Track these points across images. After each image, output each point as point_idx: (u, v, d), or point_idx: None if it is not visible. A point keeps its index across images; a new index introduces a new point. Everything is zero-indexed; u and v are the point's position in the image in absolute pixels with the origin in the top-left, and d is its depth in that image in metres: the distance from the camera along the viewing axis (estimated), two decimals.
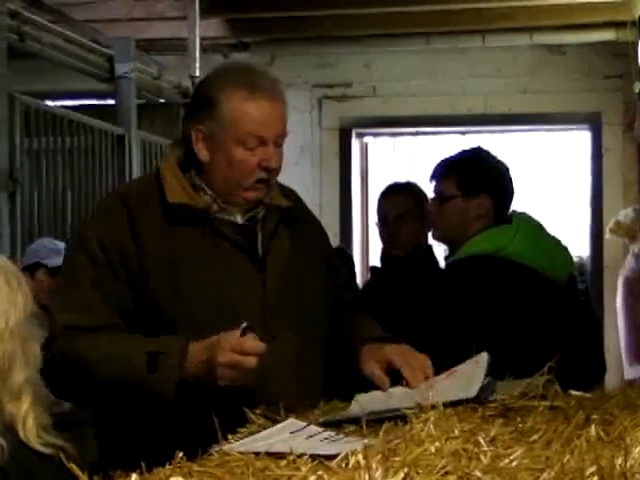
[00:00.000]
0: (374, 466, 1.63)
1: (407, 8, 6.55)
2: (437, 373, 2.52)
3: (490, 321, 3.18)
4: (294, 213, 2.75)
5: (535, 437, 1.89)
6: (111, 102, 6.23)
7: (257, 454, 1.84)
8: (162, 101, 6.81)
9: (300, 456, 1.76)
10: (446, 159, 3.49)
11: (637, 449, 1.68)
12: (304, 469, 1.70)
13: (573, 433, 1.89)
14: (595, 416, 2.04)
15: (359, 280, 6.47)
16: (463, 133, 7.80)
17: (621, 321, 6.47)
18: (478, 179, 3.38)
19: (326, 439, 1.98)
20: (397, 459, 1.70)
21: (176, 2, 6.50)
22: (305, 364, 2.63)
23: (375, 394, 2.47)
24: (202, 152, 2.63)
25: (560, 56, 7.42)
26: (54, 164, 5.11)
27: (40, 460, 1.89)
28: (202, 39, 6.52)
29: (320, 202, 7.68)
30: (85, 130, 5.45)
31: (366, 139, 8.09)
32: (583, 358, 3.27)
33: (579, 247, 7.29)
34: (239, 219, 2.67)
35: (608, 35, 6.82)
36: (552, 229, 3.52)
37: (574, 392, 2.31)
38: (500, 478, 1.62)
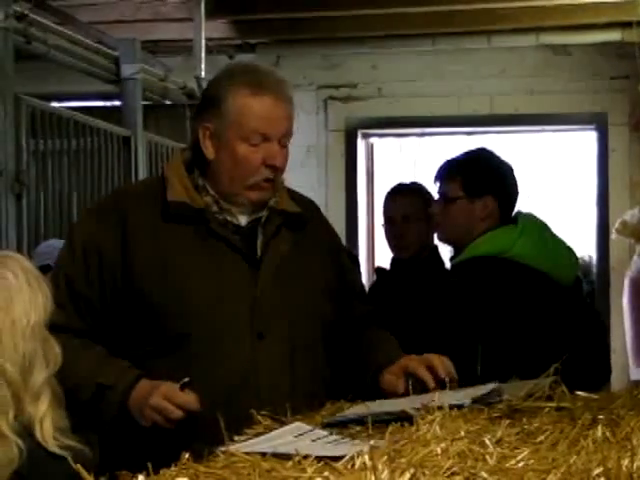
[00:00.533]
0: (380, 467, 1.63)
1: (412, 9, 6.55)
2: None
3: (495, 322, 3.18)
4: (302, 219, 2.76)
5: (541, 438, 1.89)
6: (117, 103, 6.23)
7: (263, 455, 1.84)
8: (168, 102, 6.80)
9: (306, 457, 1.77)
10: (450, 160, 3.49)
11: None
12: (310, 470, 1.70)
13: (579, 434, 1.88)
14: (601, 417, 2.03)
15: (365, 281, 6.47)
16: (469, 134, 7.79)
17: (627, 322, 6.46)
18: (482, 180, 3.38)
19: (332, 442, 1.98)
20: (403, 460, 1.70)
21: (182, 3, 6.51)
22: (298, 363, 2.64)
23: (382, 401, 2.46)
24: (208, 150, 2.66)
25: (566, 57, 7.41)
26: (60, 165, 5.11)
27: (54, 462, 1.89)
28: (208, 40, 6.52)
29: (326, 203, 7.67)
30: (91, 131, 5.45)
31: (372, 140, 8.08)
32: (588, 360, 3.27)
33: (585, 248, 7.28)
34: (242, 221, 2.68)
35: (614, 35, 6.81)
36: (558, 230, 3.51)
37: (580, 393, 2.30)
38: (506, 479, 1.62)
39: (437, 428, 1.93)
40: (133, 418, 2.52)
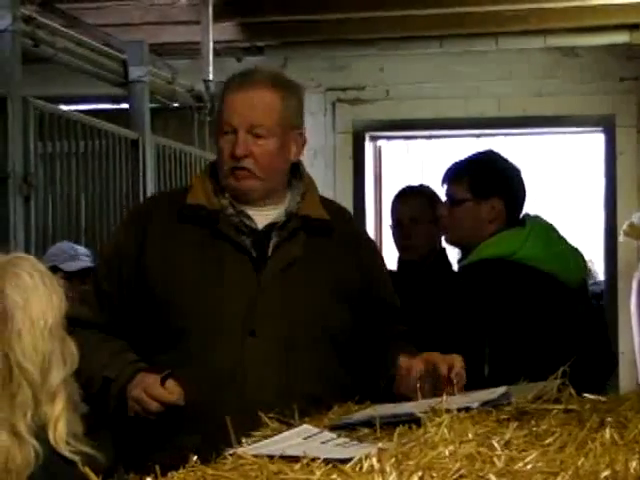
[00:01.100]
0: (388, 470, 1.63)
1: (420, 11, 6.55)
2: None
3: (502, 324, 3.18)
4: (328, 226, 2.79)
5: (549, 440, 1.89)
6: (125, 106, 6.24)
7: (271, 457, 1.84)
8: (176, 105, 6.82)
9: (314, 460, 1.76)
10: (457, 162, 3.49)
11: None
12: (318, 473, 1.70)
13: (587, 436, 1.88)
14: (609, 419, 2.03)
15: None
16: (477, 136, 7.79)
17: (635, 324, 6.45)
18: (489, 182, 3.38)
19: (340, 444, 1.98)
20: (411, 463, 1.70)
21: (189, 6, 6.51)
22: (295, 363, 2.66)
23: (390, 404, 2.46)
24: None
25: (574, 58, 7.41)
26: (68, 168, 5.12)
27: (65, 465, 1.89)
28: (215, 43, 6.53)
29: None
30: (99, 134, 5.46)
31: (379, 142, 8.08)
32: (590, 362, 3.26)
33: (593, 250, 7.27)
34: (259, 224, 2.73)
35: (622, 37, 6.80)
36: (566, 232, 3.51)
37: (588, 395, 2.30)
38: None
39: (445, 430, 1.93)
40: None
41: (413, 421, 2.10)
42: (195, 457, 1.85)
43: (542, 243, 3.35)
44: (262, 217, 2.75)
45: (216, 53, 6.60)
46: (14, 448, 1.89)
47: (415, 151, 8.11)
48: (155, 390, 2.54)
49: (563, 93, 7.41)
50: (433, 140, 8.03)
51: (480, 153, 3.56)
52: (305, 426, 2.16)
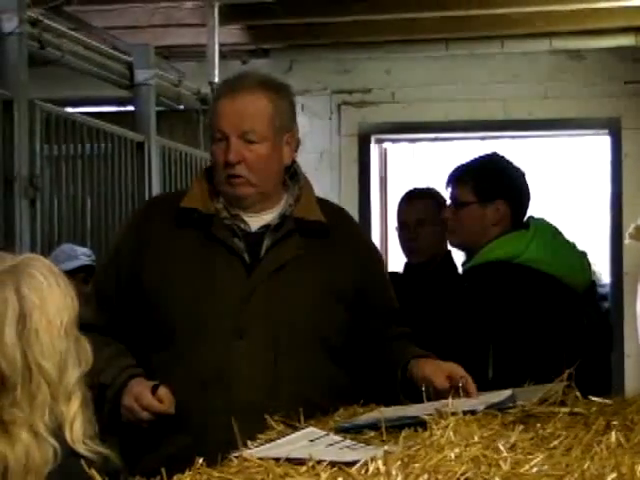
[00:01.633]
0: (394, 472, 1.63)
1: (426, 14, 6.55)
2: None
3: (507, 327, 3.18)
4: (324, 228, 2.78)
5: (555, 443, 1.89)
6: (131, 109, 6.25)
7: (277, 460, 1.84)
8: (182, 108, 6.82)
9: (320, 462, 1.77)
10: (461, 165, 3.49)
11: None
12: (324, 475, 1.70)
13: (593, 439, 1.88)
14: (615, 422, 2.03)
15: None
16: (483, 139, 7.79)
17: None
18: (493, 185, 3.38)
19: (346, 447, 1.98)
20: (417, 465, 1.70)
21: (195, 9, 6.51)
22: (283, 365, 2.65)
23: (396, 406, 2.46)
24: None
25: (579, 61, 7.40)
26: (74, 171, 5.13)
27: (80, 465, 1.89)
28: (221, 45, 6.53)
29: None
30: (105, 137, 5.46)
31: (385, 145, 8.08)
32: (594, 365, 3.25)
33: (598, 252, 7.26)
34: (252, 227, 2.74)
35: (628, 40, 6.80)
36: (571, 234, 3.51)
37: (594, 398, 2.30)
38: None
39: (451, 433, 1.93)
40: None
41: (419, 424, 2.10)
42: (201, 459, 1.85)
43: (546, 246, 3.35)
44: (257, 221, 2.76)
45: (222, 56, 6.60)
46: (33, 447, 1.90)
47: (421, 154, 8.11)
48: (145, 399, 2.58)
49: (569, 96, 7.41)
50: (439, 143, 8.03)
51: (485, 156, 3.56)
52: (311, 429, 2.16)
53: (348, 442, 2.03)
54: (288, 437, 2.11)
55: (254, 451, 1.98)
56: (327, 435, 2.09)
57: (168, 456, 2.34)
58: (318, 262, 2.75)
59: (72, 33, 5.38)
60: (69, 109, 5.96)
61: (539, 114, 7.47)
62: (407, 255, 4.34)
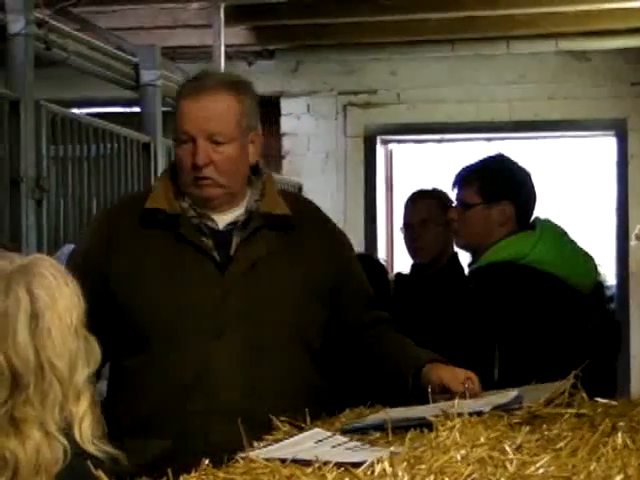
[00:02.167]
0: (400, 474, 1.63)
1: (432, 15, 6.55)
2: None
3: (513, 328, 3.17)
4: (291, 222, 2.76)
5: (561, 445, 1.89)
6: (137, 110, 6.25)
7: (283, 461, 1.84)
8: None
9: (326, 463, 1.77)
10: (467, 167, 3.49)
11: None
12: (330, 476, 1.70)
13: (599, 441, 1.88)
14: (621, 424, 2.03)
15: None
16: (488, 140, 7.79)
17: None
18: (499, 186, 3.38)
19: (352, 448, 1.98)
20: (423, 467, 1.70)
21: (201, 10, 6.52)
22: (260, 364, 2.64)
23: (402, 407, 2.45)
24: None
25: (585, 62, 7.40)
26: (80, 171, 5.12)
27: (88, 464, 1.90)
28: (227, 46, 6.53)
29: (345, 209, 7.68)
30: (111, 137, 5.46)
31: (391, 146, 8.08)
32: (601, 367, 3.25)
33: (604, 253, 7.26)
34: (220, 225, 2.72)
35: (634, 41, 6.79)
36: (577, 236, 3.50)
37: (600, 399, 2.30)
38: None
39: (457, 435, 1.93)
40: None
41: (425, 425, 2.10)
42: (207, 460, 1.86)
43: (552, 247, 3.34)
44: (224, 218, 2.73)
45: (228, 57, 6.60)
46: (44, 446, 1.90)
47: (426, 155, 8.11)
48: None
49: (575, 97, 7.41)
50: (444, 144, 8.03)
51: (490, 157, 3.55)
52: (317, 430, 2.17)
53: (354, 443, 2.03)
54: (294, 438, 2.11)
55: (260, 452, 1.99)
56: (333, 436, 2.10)
57: (147, 461, 2.32)
58: (290, 257, 2.73)
59: (78, 34, 5.38)
60: (75, 110, 5.95)
61: (545, 115, 7.47)
62: (412, 255, 4.35)
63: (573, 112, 7.42)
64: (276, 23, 6.89)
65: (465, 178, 3.45)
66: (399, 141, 8.09)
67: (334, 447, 2.00)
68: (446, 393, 2.52)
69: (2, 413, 1.91)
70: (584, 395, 2.32)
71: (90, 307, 2.64)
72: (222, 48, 6.40)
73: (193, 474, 1.83)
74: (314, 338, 2.75)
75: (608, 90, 7.35)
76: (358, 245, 7.56)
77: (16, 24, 4.52)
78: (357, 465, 1.75)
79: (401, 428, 2.12)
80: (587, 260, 3.46)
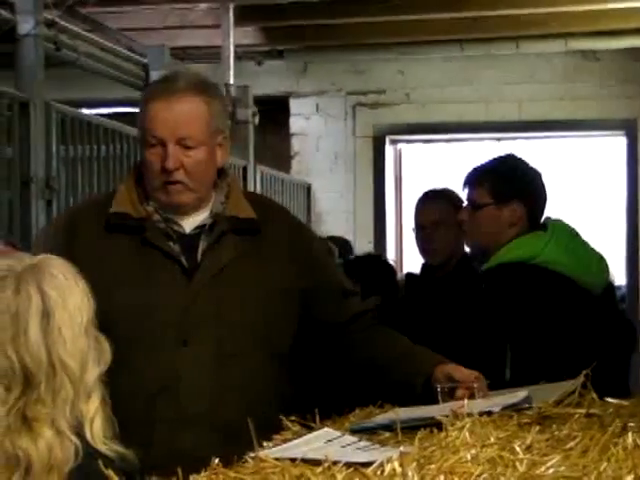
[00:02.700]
0: (410, 473, 1.63)
1: (440, 15, 6.55)
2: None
3: (524, 328, 3.17)
4: (256, 224, 2.72)
5: (571, 445, 1.89)
6: None
7: (293, 461, 1.84)
8: None
9: (336, 463, 1.77)
10: (478, 167, 3.48)
11: None
12: (340, 476, 1.70)
13: (610, 441, 1.88)
14: (632, 424, 2.02)
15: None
16: (498, 140, 7.79)
17: None
18: (510, 186, 3.37)
19: (361, 448, 1.98)
20: (433, 467, 1.70)
21: (210, 10, 6.53)
22: (228, 371, 2.60)
23: (412, 407, 2.45)
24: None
25: (595, 62, 7.39)
26: (90, 172, 5.13)
27: (98, 463, 1.90)
28: (236, 47, 6.54)
29: (354, 209, 7.68)
30: (121, 138, 5.47)
31: (400, 146, 8.09)
32: (612, 366, 3.24)
33: (615, 254, 7.25)
34: (186, 229, 2.68)
35: None
36: (588, 236, 3.49)
37: (610, 400, 2.30)
38: None
39: (467, 434, 1.93)
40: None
41: (434, 425, 2.10)
42: (217, 459, 1.86)
43: (563, 247, 3.34)
44: (190, 222, 2.69)
45: (237, 57, 6.61)
46: (56, 444, 1.91)
47: (435, 155, 8.11)
48: None
49: (584, 97, 7.40)
50: (454, 144, 8.03)
51: (501, 157, 3.55)
52: (326, 429, 2.17)
53: (364, 443, 2.03)
54: (304, 438, 2.11)
55: (270, 451, 1.99)
56: (343, 436, 2.10)
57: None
58: (256, 262, 2.69)
59: (88, 35, 5.39)
60: (85, 110, 5.96)
61: (554, 115, 7.46)
62: (424, 256, 4.34)
63: (583, 112, 7.41)
64: (285, 23, 6.89)
65: (476, 178, 3.44)
66: (408, 141, 8.10)
67: (344, 447, 2.00)
68: (453, 395, 2.51)
69: (14, 411, 1.91)
70: (594, 395, 2.31)
71: None
72: (231, 48, 6.41)
73: (203, 473, 1.84)
74: (283, 343, 2.71)
75: (618, 90, 7.34)
76: (367, 244, 7.57)
77: (26, 25, 4.53)
78: (367, 465, 1.75)
79: (410, 428, 2.12)
80: (598, 260, 3.45)
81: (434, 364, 2.65)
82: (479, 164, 3.49)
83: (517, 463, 1.73)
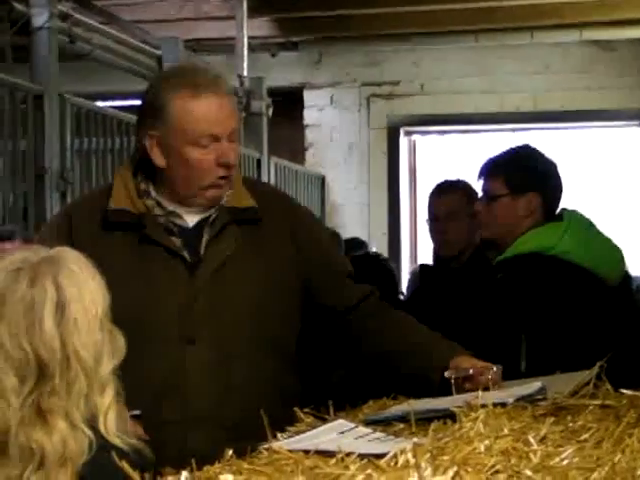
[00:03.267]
0: (423, 465, 1.63)
1: (455, 5, 6.53)
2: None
3: (539, 319, 3.16)
4: (256, 214, 2.69)
5: (586, 436, 1.88)
6: None
7: (306, 452, 1.84)
8: None
9: (349, 455, 1.76)
10: (493, 158, 3.47)
11: None
12: (353, 468, 1.70)
13: (624, 432, 1.87)
14: None
15: (405, 280, 6.47)
16: (513, 131, 7.76)
17: None
18: (525, 177, 3.36)
19: (375, 439, 1.98)
20: (446, 458, 1.69)
21: (224, 2, 6.53)
22: (232, 371, 2.58)
23: (425, 399, 2.44)
24: (158, 158, 2.63)
25: (610, 52, 7.36)
26: (104, 164, 5.14)
27: (111, 456, 1.90)
28: (250, 38, 6.54)
29: (368, 201, 7.68)
30: (135, 130, 5.48)
31: (414, 137, 8.07)
32: (628, 358, 3.23)
33: (630, 244, 7.23)
34: (189, 222, 2.65)
35: None
36: (603, 226, 3.48)
37: (625, 391, 2.29)
38: (550, 477, 1.62)
39: (480, 426, 1.92)
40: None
41: (448, 416, 2.09)
42: (231, 451, 1.86)
43: (580, 238, 3.33)
44: (193, 214, 2.66)
45: (251, 49, 6.61)
46: (70, 437, 1.91)
47: (450, 146, 8.09)
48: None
49: (600, 87, 7.37)
50: (468, 135, 8.02)
51: (516, 148, 3.53)
52: (340, 421, 2.17)
53: (377, 434, 2.03)
54: (317, 429, 2.11)
55: (283, 443, 1.99)
56: (356, 427, 2.09)
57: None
58: (257, 254, 2.66)
59: (102, 27, 5.40)
60: (99, 103, 5.98)
61: (570, 106, 7.44)
62: (437, 248, 4.33)
63: (598, 102, 7.39)
64: (299, 15, 6.89)
65: (491, 169, 3.43)
66: (422, 132, 8.08)
67: (357, 438, 2.00)
68: (466, 385, 2.51)
69: (28, 403, 1.92)
70: (609, 387, 2.30)
71: None
72: (245, 40, 6.41)
73: (217, 465, 1.84)
74: (287, 339, 2.69)
75: (633, 80, 7.31)
76: (381, 236, 7.56)
77: (40, 18, 4.54)
78: (380, 456, 1.75)
79: (424, 419, 2.12)
80: (614, 251, 3.44)
81: (450, 357, 2.62)
82: (494, 155, 3.48)
83: (531, 454, 1.72)
